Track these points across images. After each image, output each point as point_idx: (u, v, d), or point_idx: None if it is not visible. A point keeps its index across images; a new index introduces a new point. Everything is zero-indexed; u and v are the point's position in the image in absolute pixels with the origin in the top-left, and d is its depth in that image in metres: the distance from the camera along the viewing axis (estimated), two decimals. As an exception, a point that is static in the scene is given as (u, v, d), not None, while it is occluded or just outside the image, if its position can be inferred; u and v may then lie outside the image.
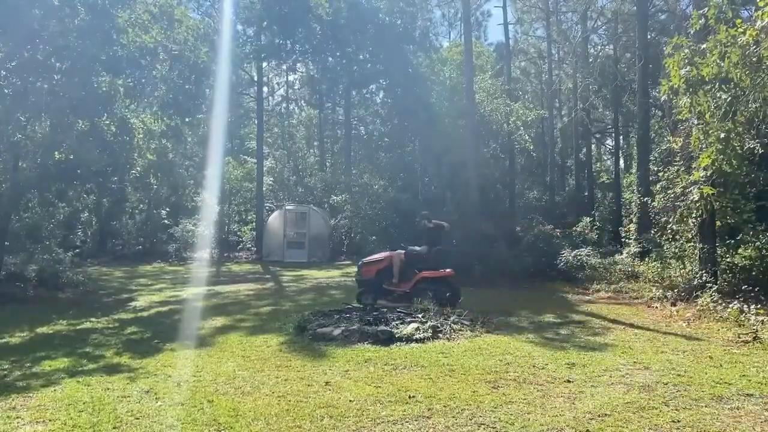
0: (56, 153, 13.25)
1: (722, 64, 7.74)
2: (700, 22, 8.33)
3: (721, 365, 6.42)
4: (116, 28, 13.17)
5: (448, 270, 10.64)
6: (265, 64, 29.10)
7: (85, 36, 12.63)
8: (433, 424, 4.71)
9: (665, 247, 13.34)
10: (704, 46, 8.11)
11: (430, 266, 10.65)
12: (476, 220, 17.28)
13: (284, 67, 32.72)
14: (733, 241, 11.49)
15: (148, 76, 15.09)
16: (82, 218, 23.64)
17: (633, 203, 18.78)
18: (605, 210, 27.61)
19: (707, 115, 8.32)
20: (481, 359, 6.79)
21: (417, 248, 10.96)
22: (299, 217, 24.39)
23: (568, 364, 6.51)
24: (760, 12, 7.24)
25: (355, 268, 19.78)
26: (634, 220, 17.77)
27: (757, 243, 10.86)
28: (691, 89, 8.41)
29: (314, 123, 38.12)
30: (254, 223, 28.27)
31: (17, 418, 5.03)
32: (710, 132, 8.37)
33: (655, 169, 15.75)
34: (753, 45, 7.44)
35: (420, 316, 8.81)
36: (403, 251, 10.95)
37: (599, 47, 29.29)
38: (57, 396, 5.62)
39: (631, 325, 9.05)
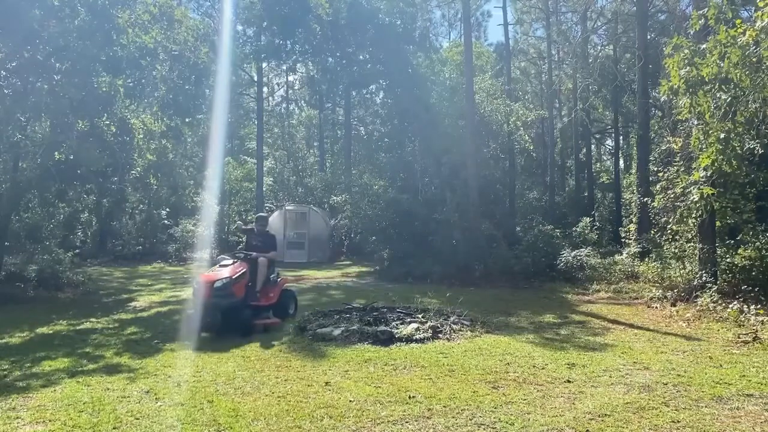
0: (56, 153, 13.24)
1: (722, 65, 7.74)
2: (700, 22, 8.33)
3: (721, 365, 6.42)
4: (116, 29, 13.15)
5: None
6: (265, 65, 29.15)
7: (85, 36, 12.62)
8: (432, 424, 4.71)
9: (665, 248, 13.35)
10: (704, 46, 8.11)
11: (273, 273, 9.72)
12: (476, 221, 17.30)
13: (284, 67, 32.71)
14: (733, 242, 11.49)
15: (148, 76, 15.07)
16: (82, 218, 23.65)
17: (633, 203, 18.79)
18: (605, 210, 27.65)
19: (707, 116, 8.32)
20: (481, 359, 6.79)
21: (265, 254, 9.44)
22: (299, 217, 24.40)
23: (568, 365, 6.52)
24: (759, 12, 7.24)
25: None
26: (634, 220, 17.78)
27: (757, 243, 10.85)
28: (690, 89, 8.41)
29: (314, 123, 38.16)
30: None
31: (17, 418, 5.03)
32: (710, 132, 8.37)
33: (655, 169, 15.74)
34: (753, 45, 7.44)
35: (420, 316, 8.82)
36: (261, 256, 9.30)
37: (599, 47, 29.30)
38: (57, 396, 5.62)
39: (631, 326, 9.05)
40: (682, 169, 11.89)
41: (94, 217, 24.84)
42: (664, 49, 10.23)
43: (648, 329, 8.75)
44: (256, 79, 29.00)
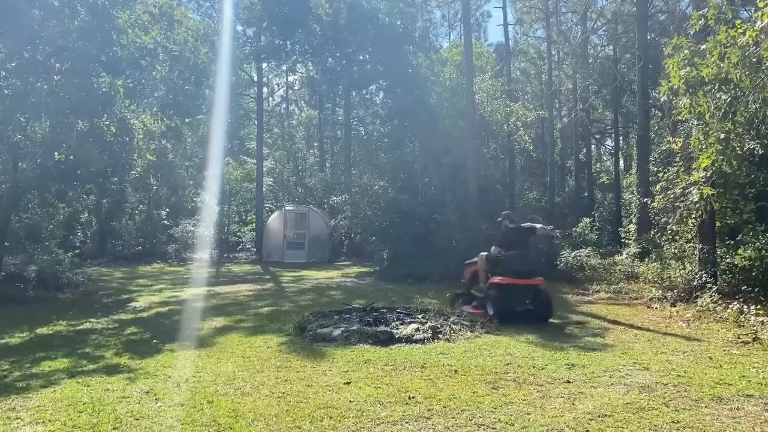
0: (56, 153, 13.25)
1: (722, 65, 7.73)
2: (700, 22, 8.32)
3: (720, 366, 6.42)
4: (116, 29, 13.16)
5: (520, 279, 9.30)
6: (264, 65, 29.12)
7: (85, 37, 12.63)
8: (432, 424, 4.70)
9: (665, 248, 13.33)
10: (704, 46, 8.10)
11: (504, 271, 9.46)
12: (476, 221, 17.28)
13: (284, 67, 32.69)
14: (732, 242, 11.49)
15: (148, 76, 15.09)
16: (82, 219, 23.65)
17: (633, 204, 18.76)
18: (605, 210, 27.62)
19: (707, 116, 8.31)
20: (480, 360, 6.79)
21: (492, 250, 9.92)
22: (299, 217, 24.41)
23: (568, 365, 6.51)
24: (759, 13, 7.23)
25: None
26: (633, 220, 17.75)
27: (757, 244, 10.85)
28: (690, 90, 8.40)
29: (314, 124, 38.15)
30: (254, 224, 28.30)
31: (17, 418, 5.03)
32: (710, 133, 8.36)
33: (655, 169, 15.74)
34: (753, 46, 7.44)
35: (420, 316, 8.81)
36: (485, 253, 10.06)
37: (599, 48, 29.31)
38: (57, 397, 5.62)
39: (631, 326, 9.05)
40: (682, 170, 11.88)
41: (94, 218, 24.86)
42: (664, 49, 10.24)
43: (648, 330, 8.75)
44: (255, 79, 28.99)
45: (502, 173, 23.75)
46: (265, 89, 35.64)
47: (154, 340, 8.36)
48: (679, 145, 11.50)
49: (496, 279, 9.48)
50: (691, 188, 10.10)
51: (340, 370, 6.40)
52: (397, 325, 8.35)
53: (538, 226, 10.06)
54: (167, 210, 28.08)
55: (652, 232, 14.73)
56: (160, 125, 16.64)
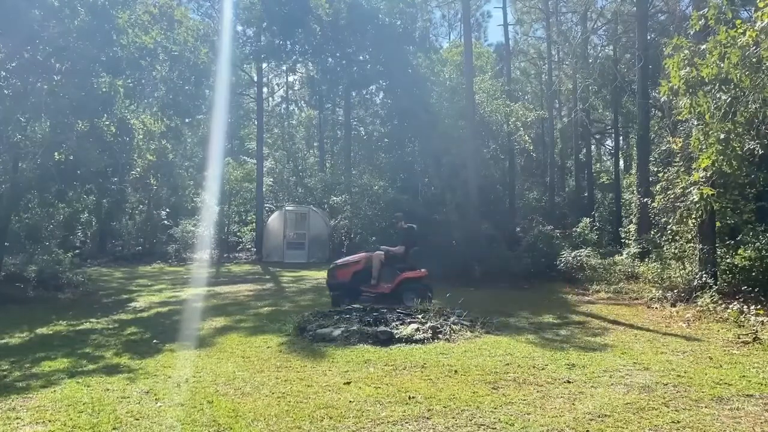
0: (56, 153, 13.24)
1: (722, 65, 7.73)
2: (700, 22, 8.32)
3: (721, 366, 6.42)
4: (116, 29, 13.16)
5: (422, 270, 10.82)
6: (264, 65, 29.14)
7: (85, 37, 12.63)
8: (432, 424, 4.70)
9: (665, 248, 13.34)
10: (704, 46, 8.10)
11: (407, 267, 10.73)
12: (476, 221, 17.29)
13: (284, 67, 32.73)
14: (732, 242, 11.49)
15: (148, 76, 15.09)
16: (82, 219, 23.64)
17: (633, 204, 18.78)
18: (605, 211, 27.64)
19: (707, 116, 8.31)
20: (480, 360, 6.79)
21: (393, 248, 11.02)
22: (299, 217, 24.38)
23: (568, 365, 6.52)
24: (759, 13, 7.23)
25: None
26: (633, 220, 17.77)
27: (757, 244, 10.85)
28: (690, 90, 8.40)
29: (314, 124, 38.15)
30: (254, 224, 28.27)
31: (17, 418, 5.03)
32: (710, 133, 8.36)
33: (655, 169, 15.74)
34: (753, 46, 7.43)
35: (420, 316, 8.81)
36: (382, 252, 10.95)
37: (599, 48, 29.33)
38: (57, 397, 5.62)
39: (631, 326, 9.05)
40: (682, 170, 11.88)
41: (94, 218, 24.83)
42: (664, 49, 10.23)
43: (648, 330, 8.75)
44: (255, 79, 28.97)
45: (502, 173, 23.74)
46: (265, 89, 35.65)
47: (154, 340, 8.37)
48: (679, 145, 11.49)
49: (409, 274, 10.64)
50: (691, 188, 10.10)
51: (340, 370, 6.40)
52: (397, 325, 8.35)
53: (415, 226, 11.60)
54: (167, 210, 28.05)
55: (652, 232, 14.74)
56: (160, 125, 16.62)
